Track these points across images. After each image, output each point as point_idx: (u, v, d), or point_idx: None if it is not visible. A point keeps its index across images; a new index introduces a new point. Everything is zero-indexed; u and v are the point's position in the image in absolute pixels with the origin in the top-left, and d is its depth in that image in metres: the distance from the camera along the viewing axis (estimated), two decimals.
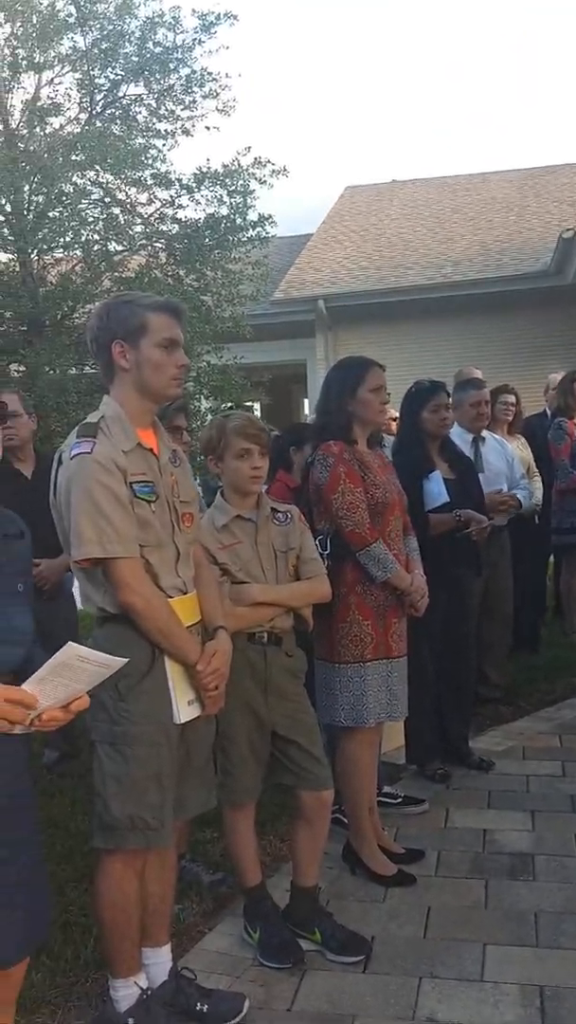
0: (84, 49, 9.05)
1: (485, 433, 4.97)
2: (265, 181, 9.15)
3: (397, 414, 4.40)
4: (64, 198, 8.49)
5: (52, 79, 9.19)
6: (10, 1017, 1.88)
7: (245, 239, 9.28)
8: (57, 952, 2.70)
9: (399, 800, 3.81)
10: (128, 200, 9.38)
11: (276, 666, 2.76)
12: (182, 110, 9.29)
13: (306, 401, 14.63)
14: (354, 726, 3.14)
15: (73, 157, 8.52)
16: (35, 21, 8.67)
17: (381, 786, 3.66)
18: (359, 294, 12.28)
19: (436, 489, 3.98)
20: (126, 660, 1.74)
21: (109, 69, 9.18)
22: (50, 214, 8.45)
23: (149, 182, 9.16)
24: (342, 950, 2.74)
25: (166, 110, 9.30)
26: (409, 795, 3.86)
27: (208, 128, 9.40)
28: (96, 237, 8.92)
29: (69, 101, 9.24)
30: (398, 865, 3.24)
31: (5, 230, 8.55)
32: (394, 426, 4.43)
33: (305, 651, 2.94)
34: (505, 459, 5.05)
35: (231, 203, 9.16)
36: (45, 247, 8.69)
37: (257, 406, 11.75)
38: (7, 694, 1.51)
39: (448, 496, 3.97)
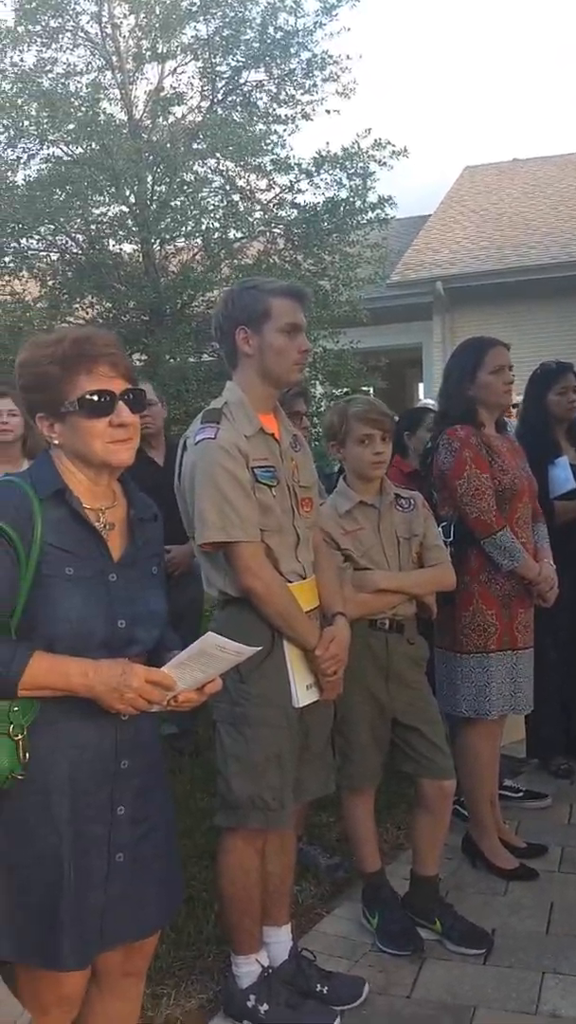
0: (206, 37, 9.16)
1: None
2: (385, 163, 9.07)
3: (519, 399, 4.26)
4: (186, 187, 8.62)
5: (175, 68, 9.35)
6: (141, 987, 1.95)
7: (364, 221, 9.21)
8: (180, 925, 2.77)
9: (521, 794, 3.73)
10: (248, 187, 9.45)
11: (398, 653, 2.74)
12: (302, 94, 9.30)
13: (420, 386, 14.42)
14: (476, 717, 3.09)
15: (194, 146, 8.66)
16: (158, 12, 8.82)
17: (502, 779, 3.59)
18: (479, 275, 11.99)
19: (563, 475, 3.86)
20: (259, 648, 1.80)
21: (230, 56, 9.26)
22: (172, 203, 8.60)
23: (269, 168, 9.21)
24: (462, 941, 2.71)
25: (286, 95, 9.32)
26: (531, 789, 3.78)
27: (328, 111, 9.37)
28: (216, 225, 9.03)
29: (191, 90, 9.39)
30: (520, 859, 3.18)
31: (129, 221, 8.75)
32: (513, 412, 4.29)
33: (425, 639, 2.90)
34: None
35: (350, 186, 9.11)
36: (167, 236, 8.85)
37: (371, 391, 11.69)
38: (149, 676, 1.60)
39: None
